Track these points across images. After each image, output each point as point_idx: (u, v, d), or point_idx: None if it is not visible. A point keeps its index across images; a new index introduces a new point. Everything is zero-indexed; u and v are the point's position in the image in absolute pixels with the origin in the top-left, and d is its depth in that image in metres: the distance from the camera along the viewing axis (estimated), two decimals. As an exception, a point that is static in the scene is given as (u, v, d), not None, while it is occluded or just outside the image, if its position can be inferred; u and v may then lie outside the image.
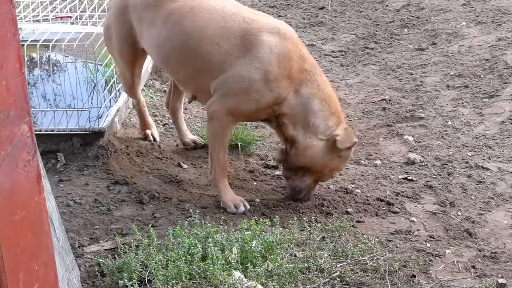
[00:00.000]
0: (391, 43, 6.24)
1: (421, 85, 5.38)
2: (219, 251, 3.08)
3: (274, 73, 3.62)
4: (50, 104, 4.71)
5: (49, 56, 5.20)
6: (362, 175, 4.22)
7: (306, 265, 3.20)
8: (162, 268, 3.04)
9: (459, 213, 3.81)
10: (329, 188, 4.08)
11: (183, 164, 4.31)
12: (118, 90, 4.75)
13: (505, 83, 5.25)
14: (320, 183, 3.98)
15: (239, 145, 4.41)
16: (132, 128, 4.70)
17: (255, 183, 4.14)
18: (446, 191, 4.03)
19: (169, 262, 3.06)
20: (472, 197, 3.97)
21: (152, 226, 3.50)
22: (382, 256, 3.31)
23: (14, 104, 2.00)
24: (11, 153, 2.00)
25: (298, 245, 3.40)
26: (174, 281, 2.97)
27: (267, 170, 4.30)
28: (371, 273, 3.21)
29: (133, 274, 3.00)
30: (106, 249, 3.36)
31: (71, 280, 2.90)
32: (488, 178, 4.15)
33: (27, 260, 2.10)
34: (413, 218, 3.78)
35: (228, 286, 2.97)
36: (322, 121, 3.71)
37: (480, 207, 3.88)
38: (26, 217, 2.08)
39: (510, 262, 3.39)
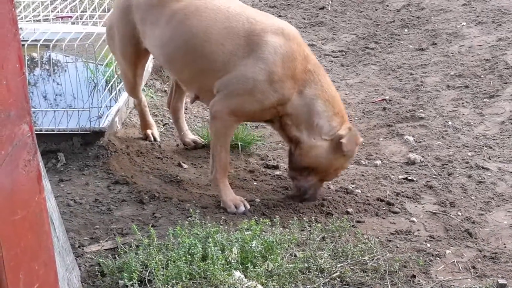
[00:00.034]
0: (391, 43, 6.24)
1: (422, 85, 5.38)
2: (219, 251, 3.08)
3: (278, 74, 3.63)
4: (51, 104, 4.72)
5: (49, 56, 5.20)
6: (362, 175, 4.23)
7: (306, 265, 3.20)
8: (162, 268, 3.04)
9: (459, 213, 3.81)
10: (329, 188, 4.08)
11: (183, 164, 4.32)
12: (119, 90, 4.76)
13: (506, 83, 5.26)
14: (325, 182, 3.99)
15: (239, 145, 4.41)
16: (133, 128, 4.70)
17: (255, 183, 4.14)
18: (446, 191, 4.03)
19: (169, 262, 3.06)
20: (472, 197, 3.97)
21: (152, 226, 3.50)
22: (382, 256, 3.31)
23: (15, 104, 2.00)
24: (12, 153, 2.00)
25: (298, 245, 3.40)
26: (174, 281, 2.97)
27: (267, 170, 4.30)
28: (371, 273, 3.21)
29: (133, 274, 3.00)
30: (106, 249, 3.36)
31: (71, 280, 2.90)
32: (489, 178, 4.15)
33: (27, 260, 2.10)
34: (413, 218, 3.78)
35: (228, 286, 2.97)
36: (326, 121, 3.71)
37: (480, 207, 3.88)
38: (26, 217, 2.08)
39: (510, 263, 3.39)
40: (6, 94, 1.97)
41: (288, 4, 7.24)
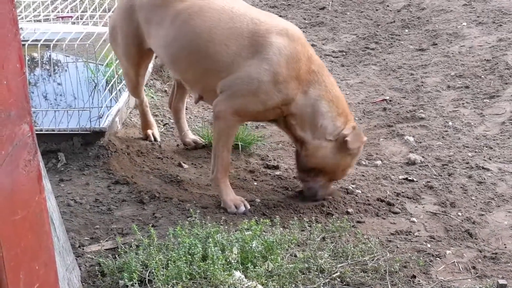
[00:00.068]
0: (391, 44, 6.24)
1: (422, 85, 5.38)
2: (220, 251, 3.08)
3: (283, 75, 3.64)
4: (51, 103, 4.72)
5: (50, 55, 5.20)
6: (363, 176, 4.22)
7: (306, 265, 3.20)
8: (163, 268, 3.04)
9: (460, 214, 3.81)
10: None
11: (183, 164, 4.32)
12: (119, 90, 4.76)
13: (506, 83, 5.25)
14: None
15: (240, 145, 4.41)
16: (133, 128, 4.70)
17: (255, 183, 4.14)
18: (447, 192, 4.03)
19: (169, 262, 3.06)
20: (473, 198, 3.97)
21: (152, 226, 3.50)
22: (383, 257, 3.31)
23: (15, 104, 2.00)
24: (12, 153, 2.00)
25: (299, 245, 3.40)
26: (175, 281, 2.97)
27: (268, 170, 4.30)
28: (372, 274, 3.21)
29: (134, 274, 3.00)
30: (106, 249, 3.36)
31: (71, 280, 2.90)
32: (489, 178, 4.15)
33: (27, 260, 2.10)
34: (414, 219, 3.78)
35: (229, 286, 2.97)
36: (330, 122, 3.73)
37: (481, 208, 3.88)
38: (26, 217, 2.08)
39: (511, 263, 3.39)
40: (6, 94, 1.97)
41: (289, 4, 7.24)
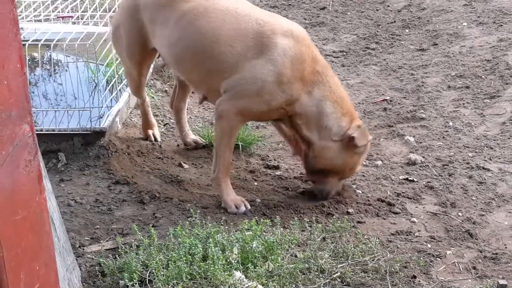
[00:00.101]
0: (392, 44, 6.24)
1: (422, 85, 5.38)
2: (220, 251, 3.08)
3: (287, 76, 3.65)
4: (51, 103, 4.72)
5: (50, 55, 5.20)
6: (363, 176, 4.22)
7: (306, 265, 3.20)
8: (163, 268, 3.04)
9: (460, 214, 3.81)
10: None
11: (184, 164, 4.32)
12: (119, 90, 4.76)
13: (506, 83, 5.25)
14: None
15: (240, 145, 4.41)
16: (133, 128, 4.70)
17: (256, 183, 4.14)
18: (447, 192, 4.03)
19: (169, 262, 3.06)
20: (473, 198, 3.97)
21: (153, 226, 3.50)
22: (383, 257, 3.31)
23: (16, 104, 2.00)
24: (13, 153, 2.00)
25: (299, 246, 3.40)
26: (175, 281, 2.97)
27: (268, 171, 4.30)
28: (372, 274, 3.21)
29: (134, 274, 3.00)
30: (106, 249, 3.36)
31: (71, 280, 2.90)
32: (489, 179, 4.15)
33: (28, 260, 2.10)
34: (414, 219, 3.78)
35: (229, 287, 2.97)
36: (335, 123, 3.75)
37: (481, 208, 3.88)
38: (27, 217, 2.08)
39: (511, 263, 3.39)
40: (7, 94, 1.97)
41: (289, 4, 7.24)
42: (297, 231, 3.43)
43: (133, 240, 3.31)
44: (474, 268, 3.35)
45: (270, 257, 3.16)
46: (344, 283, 3.15)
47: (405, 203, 3.94)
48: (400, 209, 3.87)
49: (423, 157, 4.41)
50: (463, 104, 5.07)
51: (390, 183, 4.15)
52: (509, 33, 6.06)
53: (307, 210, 3.80)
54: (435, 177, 4.20)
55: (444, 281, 3.25)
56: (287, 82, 3.66)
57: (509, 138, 4.60)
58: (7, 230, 2.01)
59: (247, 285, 2.98)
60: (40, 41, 4.65)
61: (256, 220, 3.42)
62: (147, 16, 4.02)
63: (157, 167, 4.26)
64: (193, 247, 3.10)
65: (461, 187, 4.07)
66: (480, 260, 3.41)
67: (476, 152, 4.46)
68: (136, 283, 2.96)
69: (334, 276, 3.16)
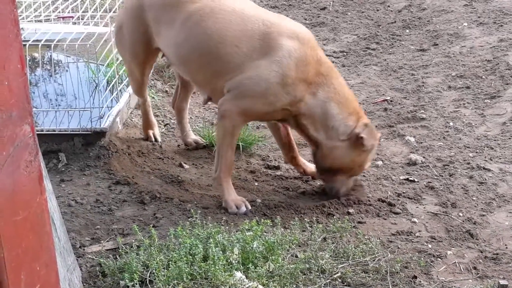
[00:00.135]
0: (392, 44, 6.24)
1: (423, 86, 5.38)
2: (221, 252, 3.08)
3: (292, 78, 3.67)
4: (52, 104, 4.72)
5: (51, 56, 5.20)
6: (364, 176, 4.22)
7: (307, 265, 3.20)
8: (163, 268, 3.04)
9: (461, 214, 3.81)
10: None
11: (184, 165, 4.32)
12: (120, 90, 4.76)
13: (507, 84, 5.25)
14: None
15: (241, 146, 4.41)
16: (134, 128, 4.70)
17: (256, 184, 4.14)
18: (448, 192, 4.03)
19: (170, 262, 3.06)
20: (474, 198, 3.97)
21: (153, 227, 3.50)
22: (384, 257, 3.31)
23: (16, 105, 2.00)
24: (13, 153, 2.00)
25: (300, 246, 3.40)
26: (175, 281, 2.97)
27: (269, 171, 4.30)
28: (373, 274, 3.21)
29: (134, 274, 3.00)
30: (107, 249, 3.36)
31: (72, 281, 2.90)
32: (490, 179, 4.15)
33: (28, 261, 2.10)
34: (415, 219, 3.77)
35: (229, 287, 2.97)
36: (341, 123, 3.76)
37: (482, 208, 3.88)
38: (27, 217, 2.08)
39: (512, 263, 3.39)
40: (7, 94, 1.97)
41: (290, 5, 7.23)
42: (297, 231, 3.43)
43: (133, 241, 3.31)
44: (475, 268, 3.35)
45: (270, 258, 3.16)
46: (345, 284, 3.15)
47: (406, 203, 3.94)
48: (400, 209, 3.87)
49: (424, 157, 4.41)
50: (464, 104, 5.07)
51: (390, 183, 4.15)
52: (510, 33, 6.05)
53: (308, 210, 3.80)
54: (435, 177, 4.20)
55: (444, 281, 3.25)
56: (292, 84, 3.68)
57: (509, 138, 4.60)
58: (7, 231, 2.01)
59: (247, 286, 2.98)
60: (40, 41, 4.64)
61: (257, 221, 3.42)
62: (152, 16, 4.02)
63: (158, 168, 4.26)
64: (194, 248, 3.10)
65: (462, 187, 4.07)
66: (480, 260, 3.41)
67: (476, 152, 4.46)
68: (136, 284, 2.96)
69: (335, 276, 3.16)
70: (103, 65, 4.94)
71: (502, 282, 3.18)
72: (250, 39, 3.73)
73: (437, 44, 6.09)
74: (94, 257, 3.29)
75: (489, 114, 4.90)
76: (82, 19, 5.60)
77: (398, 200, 3.96)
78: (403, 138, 4.66)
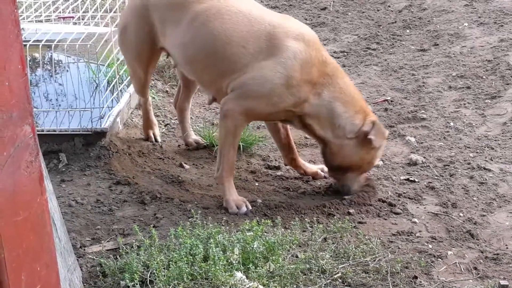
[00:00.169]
0: (393, 44, 6.24)
1: (423, 86, 5.38)
2: (221, 252, 3.08)
3: (296, 79, 3.68)
4: (52, 104, 4.72)
5: (51, 56, 5.20)
6: (364, 176, 4.22)
7: (307, 266, 3.20)
8: (164, 268, 3.04)
9: (461, 214, 3.81)
10: (331, 187, 4.09)
11: (185, 165, 4.32)
12: (120, 90, 4.76)
13: (507, 84, 5.25)
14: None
15: (241, 146, 4.41)
16: (134, 128, 4.70)
17: (257, 184, 4.14)
18: (448, 192, 4.03)
19: (170, 262, 3.06)
20: (474, 198, 3.97)
21: (153, 227, 3.50)
22: (384, 257, 3.31)
23: (17, 105, 2.00)
24: (14, 154, 2.00)
25: (300, 246, 3.40)
26: (176, 281, 2.98)
27: (269, 171, 4.30)
28: (373, 274, 3.21)
29: (135, 274, 3.00)
30: (107, 250, 3.36)
31: (73, 281, 2.90)
32: (490, 179, 4.15)
33: (29, 261, 2.10)
34: (415, 219, 3.77)
35: (230, 287, 2.97)
36: (348, 121, 3.78)
37: (482, 208, 3.88)
38: (28, 218, 2.08)
39: (512, 264, 3.39)
40: (8, 95, 1.97)
41: (290, 5, 7.23)
42: (298, 231, 3.43)
43: (134, 241, 3.31)
44: (475, 268, 3.35)
45: (271, 258, 3.16)
46: (345, 284, 3.15)
47: (406, 203, 3.94)
48: (401, 209, 3.87)
49: (424, 157, 4.41)
50: (464, 104, 5.07)
51: (391, 184, 4.15)
52: (510, 34, 6.05)
53: (308, 210, 3.80)
54: (436, 177, 4.20)
55: (445, 281, 3.25)
56: (296, 85, 3.69)
57: (510, 138, 4.60)
58: (8, 231, 2.01)
59: (248, 286, 2.98)
60: (41, 41, 4.65)
61: (257, 221, 3.42)
62: (157, 16, 4.03)
63: (158, 168, 4.26)
64: (194, 248, 3.10)
65: (462, 188, 4.07)
66: (481, 261, 3.41)
67: (477, 152, 4.46)
68: (137, 284, 2.97)
69: (335, 276, 3.16)
70: (104, 65, 4.94)
71: (503, 282, 3.18)
72: (256, 40, 3.75)
73: (437, 44, 6.09)
74: (94, 257, 3.29)
75: (490, 114, 4.90)
76: (82, 19, 5.61)
77: (399, 200, 3.96)
78: (404, 138, 4.66)
